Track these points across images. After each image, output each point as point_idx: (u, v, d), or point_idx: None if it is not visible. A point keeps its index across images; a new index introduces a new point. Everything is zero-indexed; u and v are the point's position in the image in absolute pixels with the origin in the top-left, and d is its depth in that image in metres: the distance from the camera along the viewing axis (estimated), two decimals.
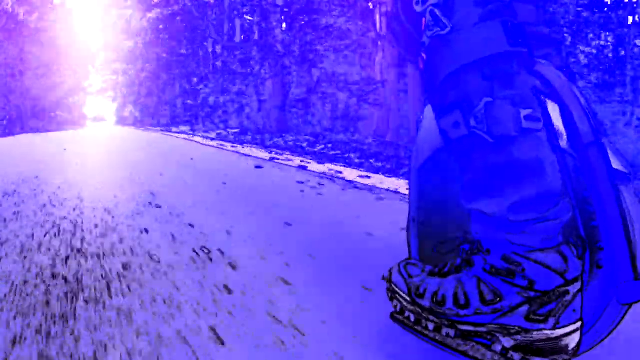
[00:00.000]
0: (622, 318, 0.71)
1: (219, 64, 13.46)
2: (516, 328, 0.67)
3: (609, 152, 0.70)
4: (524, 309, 0.66)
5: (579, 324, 0.66)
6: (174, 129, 14.05)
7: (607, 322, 0.70)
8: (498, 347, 0.69)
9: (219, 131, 10.31)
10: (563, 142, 0.70)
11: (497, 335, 0.69)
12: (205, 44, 14.75)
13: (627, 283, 0.67)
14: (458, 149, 0.69)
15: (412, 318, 0.77)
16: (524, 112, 0.64)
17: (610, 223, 0.68)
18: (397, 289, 0.80)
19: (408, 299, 0.78)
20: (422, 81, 0.75)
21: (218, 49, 13.66)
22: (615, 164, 0.69)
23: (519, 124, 0.63)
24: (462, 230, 0.78)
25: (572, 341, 0.66)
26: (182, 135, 10.23)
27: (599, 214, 0.69)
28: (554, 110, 0.72)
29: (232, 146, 7.15)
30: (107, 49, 22.52)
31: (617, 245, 0.68)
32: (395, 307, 0.80)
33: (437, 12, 0.67)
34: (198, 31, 15.13)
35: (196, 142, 8.33)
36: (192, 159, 5.00)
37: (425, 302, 0.75)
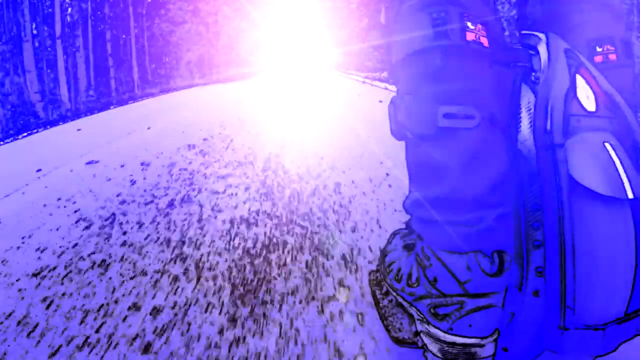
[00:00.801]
0: None
1: None
2: (422, 315, 0.68)
3: (589, 159, 0.52)
4: (427, 301, 0.66)
5: (475, 341, 0.60)
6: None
7: None
8: (414, 328, 0.72)
9: None
10: (526, 143, 0.57)
11: (415, 316, 0.71)
12: None
13: (552, 330, 0.54)
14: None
15: (379, 278, 0.86)
16: (443, 109, 0.58)
17: (552, 249, 0.54)
18: (381, 252, 0.89)
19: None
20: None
21: None
22: (588, 178, 0.52)
23: (435, 122, 0.59)
24: None
25: (470, 357, 0.62)
26: None
27: (546, 233, 0.55)
28: (530, 102, 0.58)
29: None
30: None
31: (556, 278, 0.54)
32: (377, 266, 0.90)
33: (382, 7, 0.66)
34: None
35: None
36: None
37: (382, 269, 0.82)
